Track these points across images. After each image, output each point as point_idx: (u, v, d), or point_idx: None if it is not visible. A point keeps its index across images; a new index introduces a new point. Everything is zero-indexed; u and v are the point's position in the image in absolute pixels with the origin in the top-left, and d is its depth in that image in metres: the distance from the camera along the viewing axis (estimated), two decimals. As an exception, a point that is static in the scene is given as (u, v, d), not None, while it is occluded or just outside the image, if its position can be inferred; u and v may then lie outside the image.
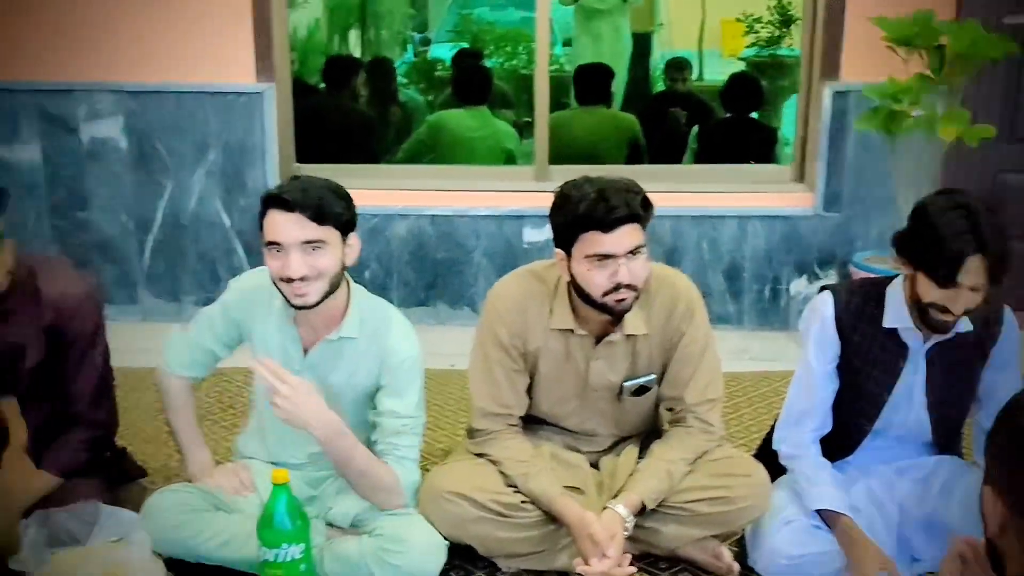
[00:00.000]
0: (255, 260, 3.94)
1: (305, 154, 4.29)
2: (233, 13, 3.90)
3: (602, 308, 2.19)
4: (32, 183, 4.07)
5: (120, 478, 2.58)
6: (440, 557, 2.19)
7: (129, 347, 3.46)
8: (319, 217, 2.07)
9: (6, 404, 1.18)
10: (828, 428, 2.32)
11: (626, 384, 2.36)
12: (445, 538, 2.22)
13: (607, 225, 2.08)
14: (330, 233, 2.10)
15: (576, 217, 2.11)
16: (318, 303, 2.13)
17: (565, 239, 2.16)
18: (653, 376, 2.38)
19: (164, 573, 2.15)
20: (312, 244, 2.08)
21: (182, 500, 2.20)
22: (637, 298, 2.22)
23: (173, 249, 4.13)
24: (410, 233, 4.07)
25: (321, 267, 2.09)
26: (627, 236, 2.11)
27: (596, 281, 2.14)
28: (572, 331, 2.29)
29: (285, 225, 2.07)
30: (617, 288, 2.14)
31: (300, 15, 9.11)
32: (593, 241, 2.10)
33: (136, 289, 4.18)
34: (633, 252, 2.13)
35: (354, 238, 2.17)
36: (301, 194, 2.07)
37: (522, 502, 2.26)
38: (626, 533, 2.19)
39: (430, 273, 4.11)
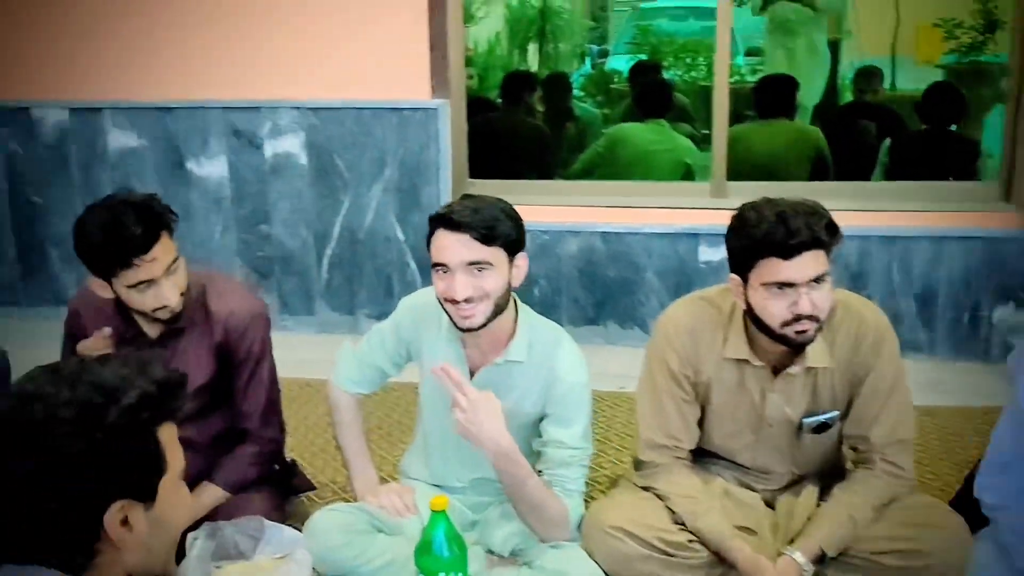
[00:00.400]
0: (428, 277, 3.96)
1: (479, 169, 4.29)
2: (410, 30, 3.94)
3: (781, 339, 2.05)
4: (219, 197, 4.24)
5: (289, 491, 2.61)
6: None
7: (305, 358, 3.56)
8: (486, 238, 2.02)
9: (163, 430, 1.18)
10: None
11: (806, 420, 2.19)
12: (607, 575, 2.12)
13: (787, 251, 1.94)
14: (497, 254, 2.05)
15: (754, 241, 1.97)
16: (484, 325, 2.09)
17: (742, 264, 2.03)
18: (836, 413, 2.20)
19: (324, 593, 2.15)
20: (478, 265, 2.03)
21: (345, 521, 2.19)
22: (820, 329, 2.06)
23: (350, 263, 4.21)
24: (580, 250, 3.99)
25: (487, 288, 2.05)
26: (809, 263, 1.96)
27: (774, 311, 2.00)
28: (747, 361, 2.15)
29: (451, 246, 2.04)
30: (798, 319, 1.99)
31: (480, 30, 9.24)
32: (772, 268, 1.97)
33: (313, 301, 4.29)
34: (816, 280, 1.98)
35: (522, 259, 2.12)
36: (469, 214, 2.03)
37: (689, 541, 2.14)
38: (803, 583, 2.04)
39: (600, 292, 4.02)
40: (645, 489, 2.25)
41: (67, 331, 2.44)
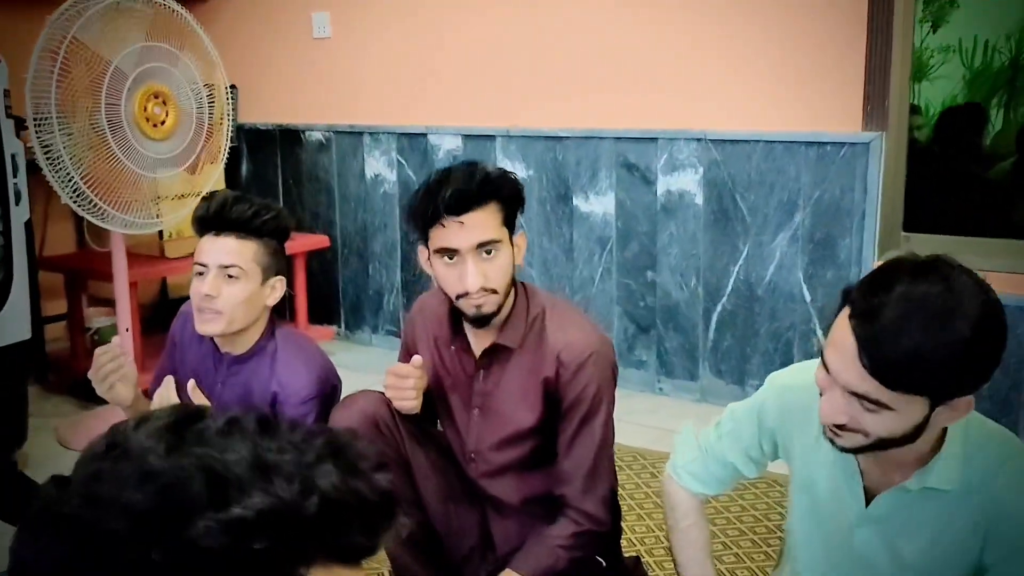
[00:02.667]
0: None
1: (914, 221, 3.44)
2: (840, 49, 3.23)
3: None
4: (603, 236, 3.79)
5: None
6: None
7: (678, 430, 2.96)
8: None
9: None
10: None
11: None
12: None
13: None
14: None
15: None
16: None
17: None
18: None
19: None
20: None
21: None
22: None
23: (743, 323, 3.55)
24: (1052, 333, 3.00)
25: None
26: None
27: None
28: None
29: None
30: None
31: (932, 89, 8.10)
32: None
33: (696, 364, 3.67)
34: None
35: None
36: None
37: None
38: None
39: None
40: None
41: (402, 341, 2.15)
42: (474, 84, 4.06)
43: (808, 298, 3.40)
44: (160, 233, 4.13)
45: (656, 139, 3.63)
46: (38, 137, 2.91)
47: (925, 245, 3.19)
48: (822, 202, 3.32)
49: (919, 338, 1.24)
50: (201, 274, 1.99)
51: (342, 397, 2.05)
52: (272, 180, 4.74)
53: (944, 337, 1.24)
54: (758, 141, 3.42)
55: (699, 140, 3.53)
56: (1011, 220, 4.03)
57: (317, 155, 4.57)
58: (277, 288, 2.08)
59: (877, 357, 1.27)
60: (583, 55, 3.76)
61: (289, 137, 4.64)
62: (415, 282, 4.32)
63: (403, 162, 4.29)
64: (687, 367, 3.69)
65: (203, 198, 2.07)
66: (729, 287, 3.55)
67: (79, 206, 3.02)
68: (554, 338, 1.87)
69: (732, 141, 3.47)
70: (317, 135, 4.55)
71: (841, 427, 1.37)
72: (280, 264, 2.09)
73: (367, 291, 4.53)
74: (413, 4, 4.15)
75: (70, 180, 2.98)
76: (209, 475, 0.61)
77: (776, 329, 3.48)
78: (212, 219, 1.99)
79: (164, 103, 3.18)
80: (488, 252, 1.79)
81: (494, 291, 1.81)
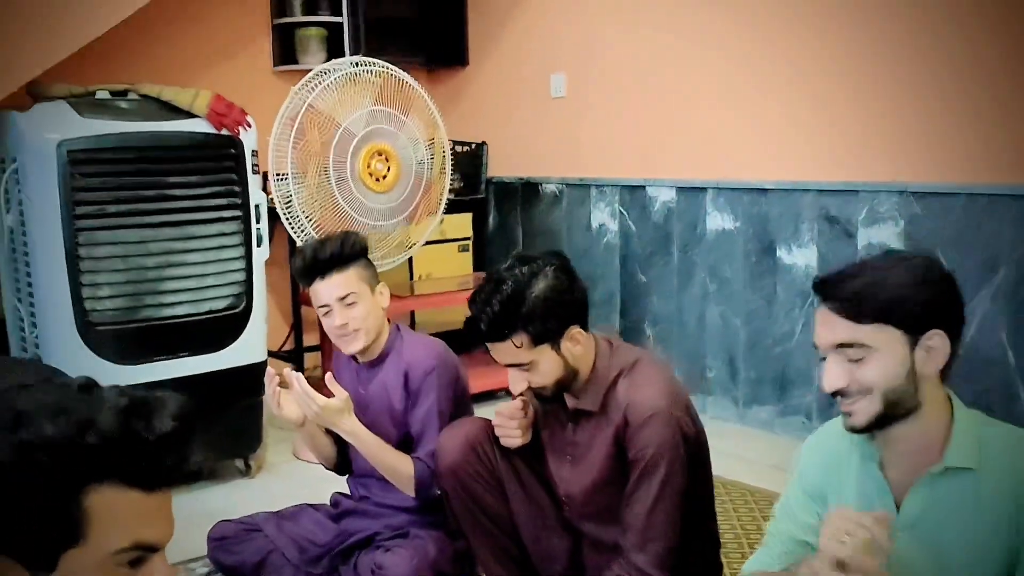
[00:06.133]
0: None
1: None
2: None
3: None
4: (805, 289, 3.77)
5: None
6: None
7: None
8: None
9: (101, 493, 0.92)
10: None
11: None
12: None
13: None
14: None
15: None
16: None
17: None
18: None
19: None
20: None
21: None
22: None
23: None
24: None
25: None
26: None
27: None
28: None
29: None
30: None
31: None
32: None
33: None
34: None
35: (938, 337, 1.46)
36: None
37: None
38: None
39: None
40: None
41: None
42: (686, 137, 4.20)
43: (1012, 361, 3.20)
44: (410, 273, 4.70)
45: (858, 191, 3.58)
46: (278, 191, 3.46)
47: None
48: (1026, 259, 3.14)
49: (874, 273, 1.47)
50: (327, 313, 2.34)
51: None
52: (513, 228, 5.12)
53: (897, 267, 1.48)
54: (960, 194, 3.29)
55: (901, 193, 3.45)
56: None
57: (551, 206, 4.89)
58: (384, 292, 2.42)
59: (840, 295, 1.47)
60: (786, 105, 3.80)
61: (529, 189, 5.01)
62: (631, 330, 4.49)
63: (624, 213, 4.50)
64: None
65: (297, 253, 2.44)
66: (928, 345, 3.41)
67: (312, 249, 3.53)
68: (624, 396, 2.00)
69: (935, 194, 3.36)
70: (552, 187, 4.87)
71: (847, 398, 1.47)
72: (374, 272, 2.43)
73: (590, 335, 4.76)
74: (638, 61, 4.37)
75: (303, 228, 3.49)
76: (15, 411, 0.91)
77: (977, 392, 3.28)
78: (312, 266, 2.33)
79: (387, 159, 3.62)
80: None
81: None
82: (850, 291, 1.46)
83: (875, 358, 1.44)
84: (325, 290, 2.33)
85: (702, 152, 4.14)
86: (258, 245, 3.40)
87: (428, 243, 5.06)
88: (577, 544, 2.19)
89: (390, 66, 3.62)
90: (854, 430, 1.50)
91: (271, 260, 3.52)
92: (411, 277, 4.85)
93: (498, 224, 5.23)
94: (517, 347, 1.93)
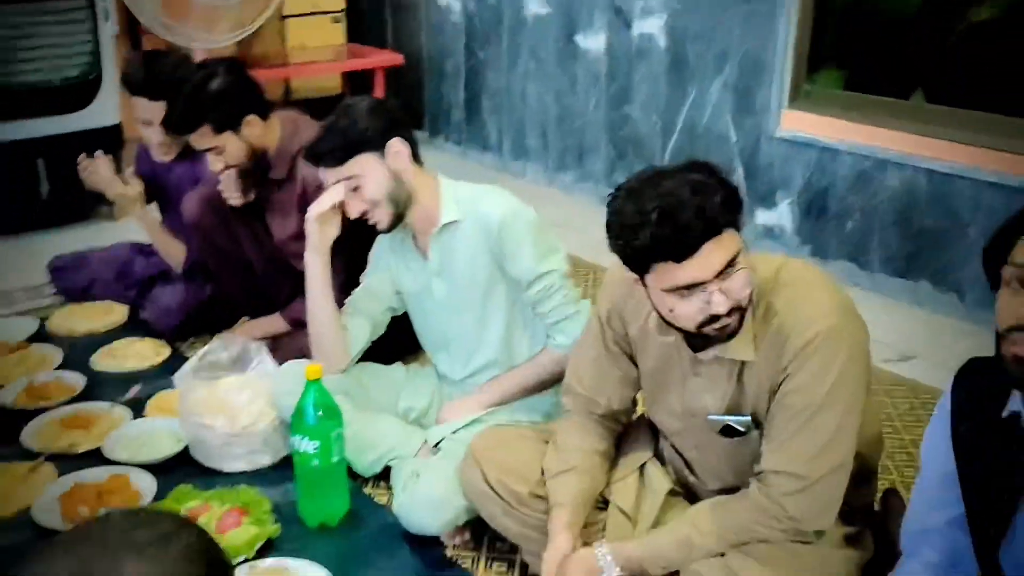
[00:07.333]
0: (753, 182, 3.69)
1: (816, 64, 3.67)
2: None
3: (702, 338, 1.69)
4: (597, 73, 4.34)
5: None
6: (435, 513, 2.09)
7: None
8: (339, 159, 2.12)
9: None
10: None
11: (711, 417, 1.78)
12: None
13: (682, 253, 1.55)
14: (358, 165, 2.12)
15: (638, 250, 1.58)
16: (394, 224, 2.20)
17: (630, 266, 1.65)
18: (747, 418, 1.75)
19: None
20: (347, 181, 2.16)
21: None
22: (743, 316, 1.65)
23: (685, 157, 4.03)
24: (902, 188, 3.31)
25: (368, 198, 2.15)
26: (714, 255, 1.55)
27: (684, 315, 1.62)
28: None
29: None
30: (715, 318, 1.61)
31: None
32: (669, 274, 1.57)
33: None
34: (728, 266, 1.57)
35: (397, 143, 2.12)
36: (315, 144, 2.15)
37: (531, 495, 1.93)
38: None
39: (913, 242, 3.31)
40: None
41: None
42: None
43: (734, 139, 3.83)
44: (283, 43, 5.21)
45: (636, -17, 4.09)
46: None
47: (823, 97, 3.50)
48: (748, 54, 3.70)
49: (332, 126, 2.19)
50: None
51: None
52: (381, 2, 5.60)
53: (343, 112, 2.17)
54: (706, -7, 3.81)
55: (665, -12, 3.97)
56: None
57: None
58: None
59: (319, 153, 2.16)
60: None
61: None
62: (473, 100, 5.07)
63: (467, -5, 4.98)
64: (648, 192, 4.24)
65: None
66: (679, 126, 4.04)
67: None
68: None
69: (691, -7, 3.89)
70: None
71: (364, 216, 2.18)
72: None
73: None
74: None
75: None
76: None
77: (711, 165, 3.94)
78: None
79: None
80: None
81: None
82: (325, 148, 2.11)
83: (363, 182, 2.12)
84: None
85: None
86: (105, 19, 3.94)
87: (302, 15, 5.58)
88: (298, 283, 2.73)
89: None
90: (384, 231, 2.21)
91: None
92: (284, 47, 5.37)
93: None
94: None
